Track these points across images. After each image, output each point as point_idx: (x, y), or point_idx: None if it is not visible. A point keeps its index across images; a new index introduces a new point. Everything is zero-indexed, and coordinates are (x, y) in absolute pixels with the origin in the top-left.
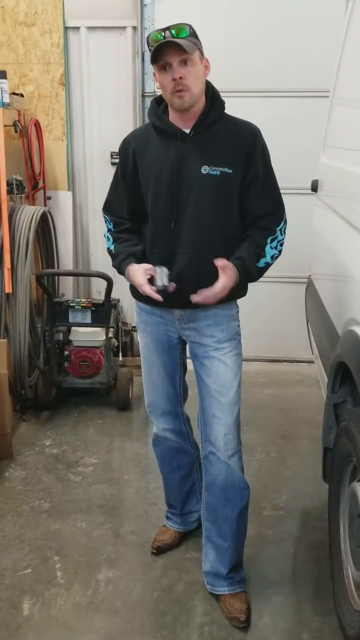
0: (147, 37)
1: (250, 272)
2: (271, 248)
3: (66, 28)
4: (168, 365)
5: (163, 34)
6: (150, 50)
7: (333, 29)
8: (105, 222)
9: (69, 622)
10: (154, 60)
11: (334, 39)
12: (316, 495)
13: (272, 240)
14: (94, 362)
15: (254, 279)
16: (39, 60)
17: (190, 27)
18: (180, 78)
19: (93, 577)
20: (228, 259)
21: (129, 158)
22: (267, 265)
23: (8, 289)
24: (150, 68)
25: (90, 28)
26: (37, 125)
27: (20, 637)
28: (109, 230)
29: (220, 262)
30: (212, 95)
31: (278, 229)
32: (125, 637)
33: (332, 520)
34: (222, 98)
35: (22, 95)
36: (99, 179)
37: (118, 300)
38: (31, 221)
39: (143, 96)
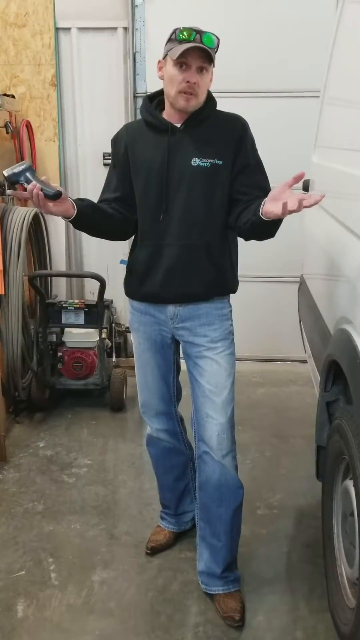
0: (176, 29)
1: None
2: None
3: (57, 29)
4: (162, 366)
5: (195, 35)
6: (174, 39)
7: (323, 29)
8: None
9: (64, 624)
10: (179, 56)
11: (324, 40)
12: (310, 494)
13: None
14: (88, 363)
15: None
16: (30, 62)
17: (219, 40)
18: (195, 83)
19: (87, 578)
20: (217, 250)
21: (121, 148)
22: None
23: (0, 290)
24: (141, 69)
25: (81, 29)
26: (28, 126)
27: (15, 639)
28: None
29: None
30: (208, 95)
31: None
32: (119, 638)
33: (325, 519)
34: (215, 98)
35: (13, 97)
36: (91, 180)
37: (111, 301)
38: (23, 222)
39: (135, 97)
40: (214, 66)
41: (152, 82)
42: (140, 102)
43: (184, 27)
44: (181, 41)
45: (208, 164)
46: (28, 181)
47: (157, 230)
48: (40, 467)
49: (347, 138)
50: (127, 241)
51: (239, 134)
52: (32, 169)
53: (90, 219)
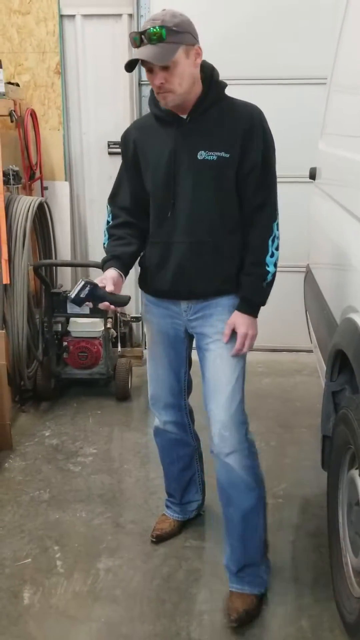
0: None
1: (260, 298)
2: (272, 255)
3: (61, 16)
4: (173, 359)
5: (138, 39)
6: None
7: (330, 15)
8: (107, 215)
9: (69, 611)
10: (131, 68)
11: (331, 26)
12: (315, 483)
13: (272, 242)
14: (93, 352)
15: (267, 295)
16: (34, 49)
17: (170, 24)
18: (161, 84)
19: (93, 566)
20: (227, 248)
21: (129, 148)
22: (274, 276)
23: (5, 280)
24: None
25: (85, 16)
26: (33, 115)
27: (21, 626)
28: (107, 224)
29: (226, 332)
30: (210, 79)
31: (274, 224)
32: (125, 625)
33: (331, 508)
34: (220, 81)
35: (17, 85)
36: (96, 169)
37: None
38: (28, 212)
39: (140, 84)
40: (192, 43)
41: None
42: (145, 89)
43: (133, 32)
44: (136, 47)
45: (214, 157)
46: (94, 297)
47: (166, 227)
48: (46, 455)
49: (354, 125)
50: None
51: (246, 127)
52: (90, 283)
53: (130, 268)
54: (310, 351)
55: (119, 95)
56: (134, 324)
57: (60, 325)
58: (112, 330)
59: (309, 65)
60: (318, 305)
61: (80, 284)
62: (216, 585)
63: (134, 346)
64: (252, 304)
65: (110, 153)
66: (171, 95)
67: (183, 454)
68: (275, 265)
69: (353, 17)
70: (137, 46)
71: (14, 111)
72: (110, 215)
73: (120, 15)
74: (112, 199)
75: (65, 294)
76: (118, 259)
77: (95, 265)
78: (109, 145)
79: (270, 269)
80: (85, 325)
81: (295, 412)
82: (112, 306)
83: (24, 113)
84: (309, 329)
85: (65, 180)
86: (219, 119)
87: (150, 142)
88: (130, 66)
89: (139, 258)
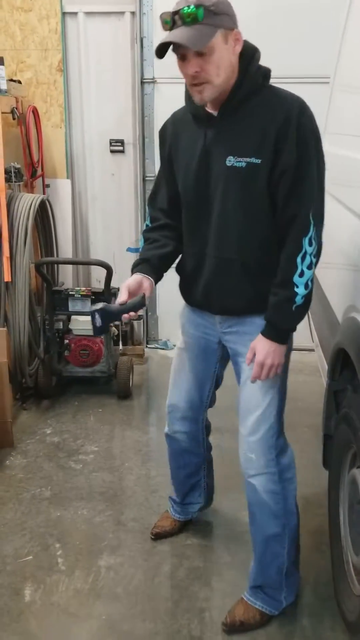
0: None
1: (287, 323)
2: (301, 274)
3: (64, 13)
4: (200, 372)
5: (169, 21)
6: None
7: (334, 14)
8: (146, 218)
9: (70, 608)
10: (161, 54)
11: (334, 25)
12: (316, 482)
13: (302, 260)
14: (94, 350)
15: (298, 320)
16: (36, 47)
17: (207, 4)
18: (196, 73)
19: (94, 563)
20: (257, 268)
21: (166, 143)
22: (307, 297)
23: (7, 277)
24: (149, 54)
25: (88, 13)
26: (35, 112)
27: (22, 623)
28: (145, 227)
29: (248, 356)
30: (246, 67)
31: (304, 239)
32: (126, 623)
33: (332, 507)
34: (261, 66)
35: (19, 82)
36: (98, 166)
37: (118, 289)
38: (30, 209)
39: (142, 83)
40: (231, 28)
41: (160, 68)
42: (147, 88)
43: (164, 13)
44: (165, 28)
45: (243, 164)
46: (108, 317)
47: (199, 237)
48: (47, 453)
49: (357, 124)
50: (133, 229)
51: (281, 125)
52: (96, 310)
53: (163, 272)
54: (312, 350)
55: (120, 93)
56: (135, 322)
57: (61, 323)
58: (114, 328)
59: (311, 64)
60: (320, 304)
61: (90, 316)
62: (217, 583)
63: (136, 344)
64: (277, 329)
65: (112, 151)
66: (208, 88)
67: (190, 462)
68: (306, 286)
69: (357, 15)
70: (169, 29)
71: (16, 108)
72: (149, 219)
73: (122, 12)
74: (151, 201)
75: (66, 291)
76: (147, 263)
77: (98, 264)
78: (110, 143)
79: (300, 290)
80: (87, 323)
81: (297, 411)
82: (132, 312)
83: (26, 110)
84: (310, 327)
85: (67, 177)
86: (252, 115)
87: (183, 141)
88: (160, 51)
89: (176, 261)
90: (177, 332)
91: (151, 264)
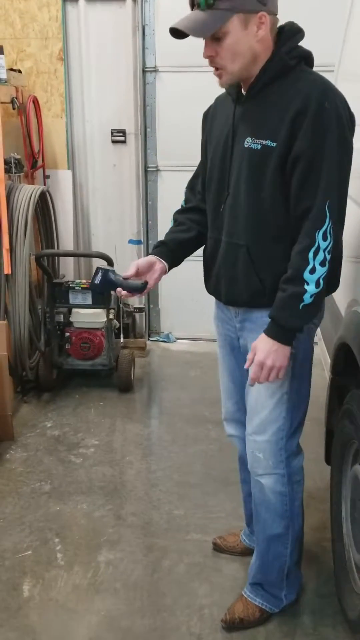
0: None
1: (292, 322)
2: (313, 270)
3: (64, 1)
4: (234, 370)
5: (192, 1)
6: None
7: (338, 1)
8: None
9: (69, 604)
10: (178, 36)
11: (339, 12)
12: (318, 478)
13: (314, 255)
14: (95, 343)
15: (305, 320)
16: (36, 35)
17: None
18: (211, 57)
19: (93, 558)
20: (263, 256)
21: (207, 124)
22: (317, 297)
23: (7, 270)
24: (150, 42)
25: (89, 1)
26: (35, 102)
27: (21, 618)
28: (178, 209)
29: (249, 357)
30: (279, 48)
31: (318, 232)
32: (125, 618)
33: (334, 503)
34: (298, 47)
35: (19, 71)
36: (99, 157)
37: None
38: (30, 200)
39: (144, 71)
40: (251, 11)
41: (162, 56)
42: (149, 77)
43: None
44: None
45: (259, 146)
46: (106, 282)
47: (218, 221)
48: (48, 447)
49: None
50: (135, 221)
51: (298, 106)
52: (103, 269)
53: (182, 257)
54: (315, 344)
55: (122, 82)
56: (137, 315)
57: (62, 315)
58: (115, 321)
59: (315, 53)
60: None
61: (97, 272)
62: (217, 579)
63: (137, 337)
64: (280, 327)
65: (113, 141)
66: (224, 74)
67: (247, 478)
68: (317, 284)
69: None
70: (191, 10)
71: (16, 98)
72: (184, 200)
73: (124, 0)
74: (190, 182)
75: (67, 284)
76: (164, 246)
77: (99, 256)
78: (112, 133)
79: (310, 287)
80: (88, 316)
81: None
82: (124, 292)
83: (26, 100)
84: None
85: (68, 168)
86: (275, 98)
87: (218, 119)
88: (177, 34)
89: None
90: (180, 325)
91: (169, 248)
